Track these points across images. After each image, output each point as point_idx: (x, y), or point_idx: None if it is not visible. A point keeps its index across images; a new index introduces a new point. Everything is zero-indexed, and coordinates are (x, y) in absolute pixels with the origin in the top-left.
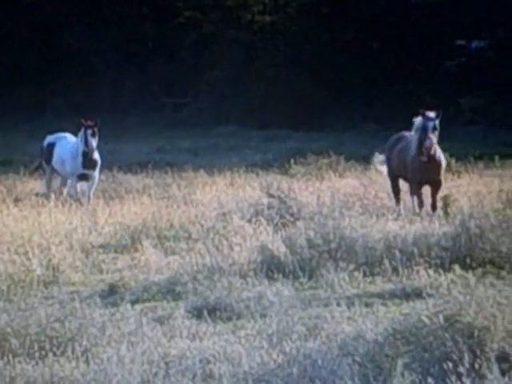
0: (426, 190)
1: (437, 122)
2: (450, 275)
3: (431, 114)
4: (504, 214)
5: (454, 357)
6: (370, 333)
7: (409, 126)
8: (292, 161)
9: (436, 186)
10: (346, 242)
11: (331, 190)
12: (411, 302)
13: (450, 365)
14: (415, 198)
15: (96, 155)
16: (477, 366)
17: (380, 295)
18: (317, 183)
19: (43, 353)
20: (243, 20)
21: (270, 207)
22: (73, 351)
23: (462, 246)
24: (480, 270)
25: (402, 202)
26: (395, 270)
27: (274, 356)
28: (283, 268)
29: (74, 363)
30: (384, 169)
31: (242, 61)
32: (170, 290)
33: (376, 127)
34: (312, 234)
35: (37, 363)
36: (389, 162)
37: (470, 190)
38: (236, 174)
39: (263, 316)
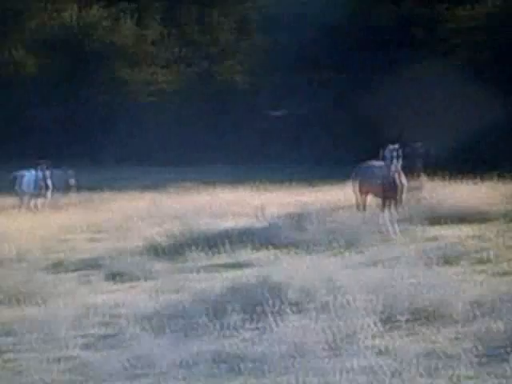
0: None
1: (400, 151)
2: (266, 253)
3: (395, 146)
4: (296, 215)
5: (269, 302)
6: (216, 287)
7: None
8: (169, 185)
9: (400, 200)
10: (201, 233)
11: (193, 203)
12: (241, 270)
13: (266, 307)
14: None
15: (48, 182)
16: (278, 308)
17: (222, 265)
18: (184, 198)
19: (18, 302)
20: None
21: (156, 212)
22: (35, 301)
23: (272, 235)
24: (283, 249)
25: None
26: (232, 250)
27: (156, 303)
28: (164, 249)
29: (36, 308)
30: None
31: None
32: (94, 264)
33: (220, 166)
34: (181, 228)
35: (14, 308)
36: (360, 182)
37: (277, 201)
38: (135, 193)
39: (151, 279)
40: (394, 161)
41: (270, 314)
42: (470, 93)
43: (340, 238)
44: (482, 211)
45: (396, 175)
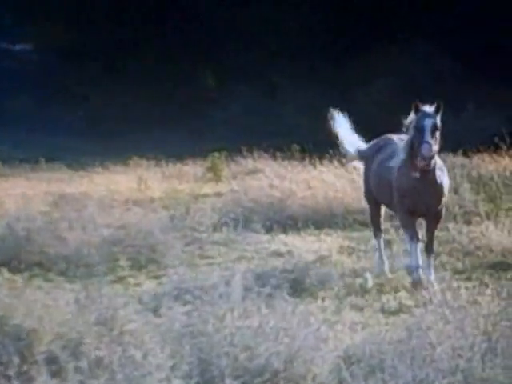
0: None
1: (438, 119)
2: None
3: (428, 109)
4: (51, 217)
5: (3, 359)
6: None
7: None
8: None
9: (434, 217)
10: None
11: None
12: None
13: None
14: (407, 233)
15: None
16: (25, 368)
17: None
18: None
19: None
20: None
21: None
22: None
23: (9, 248)
24: (27, 272)
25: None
26: None
27: None
28: None
29: None
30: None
31: None
32: None
33: None
34: None
35: None
36: (366, 178)
37: (16, 192)
38: None
39: None
40: (427, 135)
41: (9, 377)
42: None
43: (124, 254)
44: (358, 210)
45: (428, 167)
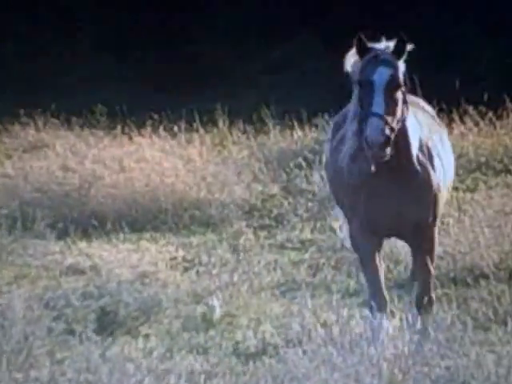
0: None
1: (401, 66)
2: None
3: (383, 48)
4: None
5: None
6: None
7: None
8: None
9: (416, 238)
10: None
11: None
12: None
13: None
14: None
15: None
16: None
17: None
18: None
19: None
20: None
21: None
22: None
23: None
24: None
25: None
26: None
27: None
28: None
29: None
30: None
31: None
32: None
33: None
34: None
35: None
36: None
37: None
38: None
39: None
40: (376, 103)
41: None
42: None
43: None
44: (198, 202)
45: (382, 158)
